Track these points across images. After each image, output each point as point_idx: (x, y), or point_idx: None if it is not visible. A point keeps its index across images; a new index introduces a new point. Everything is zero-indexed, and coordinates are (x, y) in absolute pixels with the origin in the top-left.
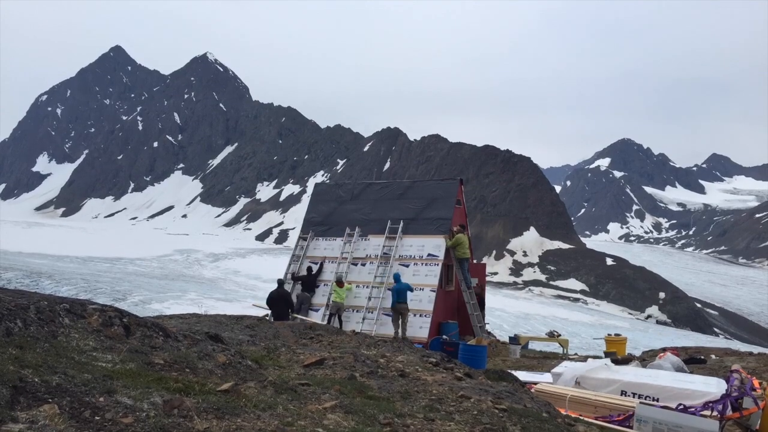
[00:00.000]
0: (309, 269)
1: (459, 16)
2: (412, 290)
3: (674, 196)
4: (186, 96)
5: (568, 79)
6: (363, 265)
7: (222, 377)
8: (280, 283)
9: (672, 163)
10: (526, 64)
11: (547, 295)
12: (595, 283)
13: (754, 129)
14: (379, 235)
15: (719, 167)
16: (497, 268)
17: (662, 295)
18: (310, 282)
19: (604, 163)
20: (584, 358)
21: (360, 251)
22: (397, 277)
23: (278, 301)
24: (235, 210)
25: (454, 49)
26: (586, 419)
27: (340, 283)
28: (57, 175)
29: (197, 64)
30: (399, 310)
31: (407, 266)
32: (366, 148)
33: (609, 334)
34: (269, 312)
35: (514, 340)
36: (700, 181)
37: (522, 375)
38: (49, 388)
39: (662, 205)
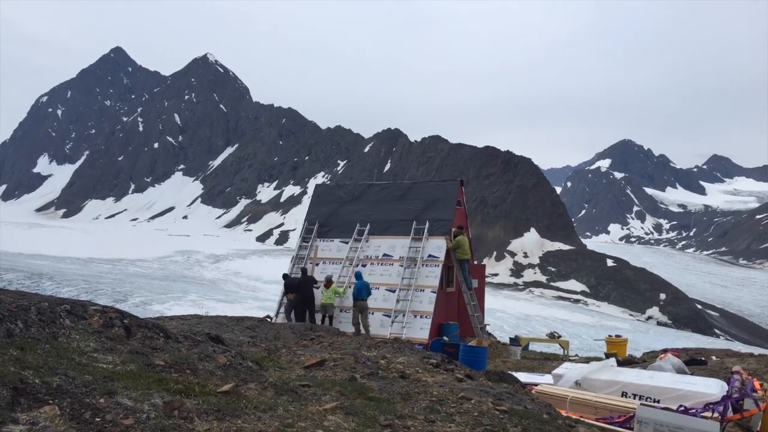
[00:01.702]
0: (304, 270)
1: (487, 19)
2: (370, 292)
3: (675, 197)
4: (186, 97)
5: (590, 90)
6: (364, 266)
7: (223, 378)
8: (304, 271)
9: (672, 164)
10: (553, 74)
11: (548, 296)
12: (596, 284)
13: (754, 130)
14: (379, 237)
15: (720, 168)
16: (498, 269)
17: (663, 296)
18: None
19: (604, 164)
20: (585, 360)
21: (360, 252)
22: (358, 275)
23: (305, 285)
24: (235, 211)
25: (477, 57)
26: (586, 421)
27: (328, 284)
28: (58, 176)
29: (197, 65)
30: (359, 307)
31: (409, 267)
32: (366, 149)
33: (610, 336)
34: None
35: (515, 341)
36: (701, 182)
37: (523, 376)
38: (50, 390)
39: (663, 206)
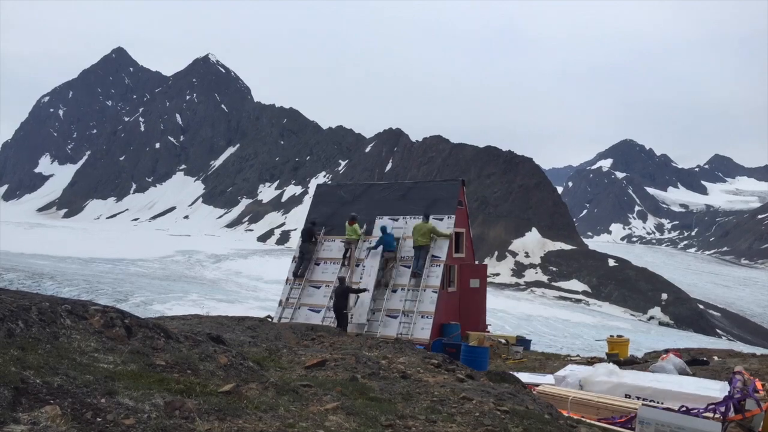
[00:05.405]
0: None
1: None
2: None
3: (676, 197)
4: (188, 97)
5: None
6: (364, 266)
7: (223, 378)
8: (342, 279)
9: (674, 164)
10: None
11: (549, 296)
12: (597, 284)
13: (755, 129)
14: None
15: (721, 168)
16: (499, 269)
17: (664, 296)
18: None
19: (606, 164)
20: (587, 360)
21: (361, 252)
22: (383, 229)
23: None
24: (236, 211)
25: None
26: (588, 421)
27: (352, 221)
28: (59, 176)
29: (199, 65)
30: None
31: (408, 267)
32: (368, 149)
33: (611, 336)
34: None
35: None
36: (703, 182)
37: (524, 376)
38: (51, 390)
39: (664, 206)
